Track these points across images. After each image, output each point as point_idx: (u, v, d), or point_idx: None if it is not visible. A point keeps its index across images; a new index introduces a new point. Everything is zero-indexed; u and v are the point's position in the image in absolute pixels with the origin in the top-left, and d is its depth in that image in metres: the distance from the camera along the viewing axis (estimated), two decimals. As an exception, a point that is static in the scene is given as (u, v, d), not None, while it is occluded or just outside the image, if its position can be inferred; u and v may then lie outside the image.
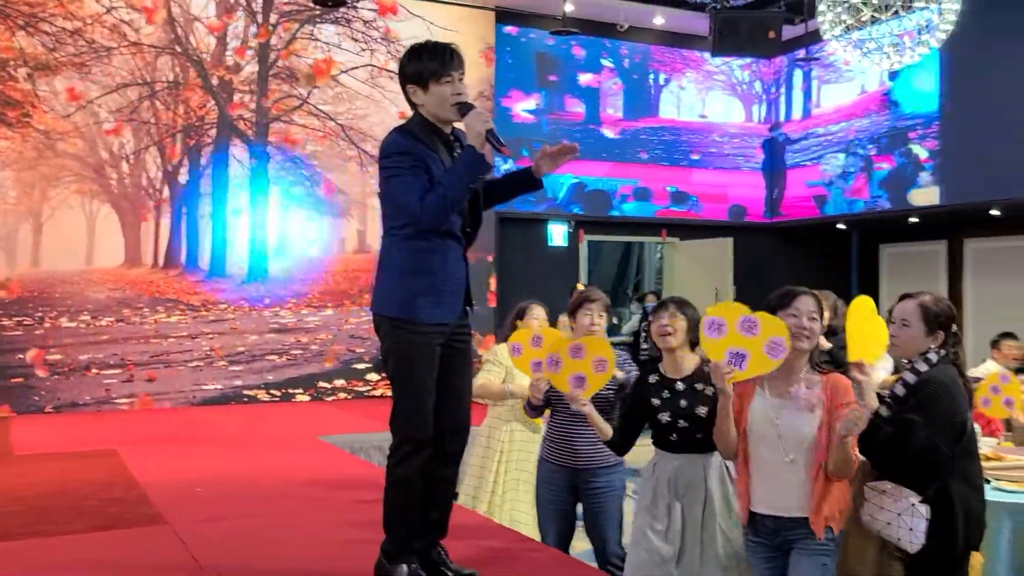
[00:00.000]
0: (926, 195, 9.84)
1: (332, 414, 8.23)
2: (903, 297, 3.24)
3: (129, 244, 8.53)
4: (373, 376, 9.21)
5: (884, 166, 10.27)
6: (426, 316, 2.92)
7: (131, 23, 8.50)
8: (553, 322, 4.95)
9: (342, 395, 9.12)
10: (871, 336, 3.13)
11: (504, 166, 10.03)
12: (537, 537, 4.12)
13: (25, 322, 8.08)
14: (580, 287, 8.76)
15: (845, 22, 7.03)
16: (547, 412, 4.09)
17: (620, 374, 3.82)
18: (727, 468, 3.35)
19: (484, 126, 2.87)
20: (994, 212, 9.75)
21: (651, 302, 11.09)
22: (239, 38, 8.96)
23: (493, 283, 9.84)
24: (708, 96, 11.44)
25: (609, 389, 3.78)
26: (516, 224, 10.28)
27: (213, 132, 8.84)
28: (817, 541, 2.94)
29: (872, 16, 6.88)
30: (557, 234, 10.65)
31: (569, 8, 9.57)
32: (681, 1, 9.87)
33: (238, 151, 8.93)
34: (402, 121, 3.09)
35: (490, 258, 9.81)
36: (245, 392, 8.74)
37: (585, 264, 10.93)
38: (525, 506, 4.54)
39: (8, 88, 8.07)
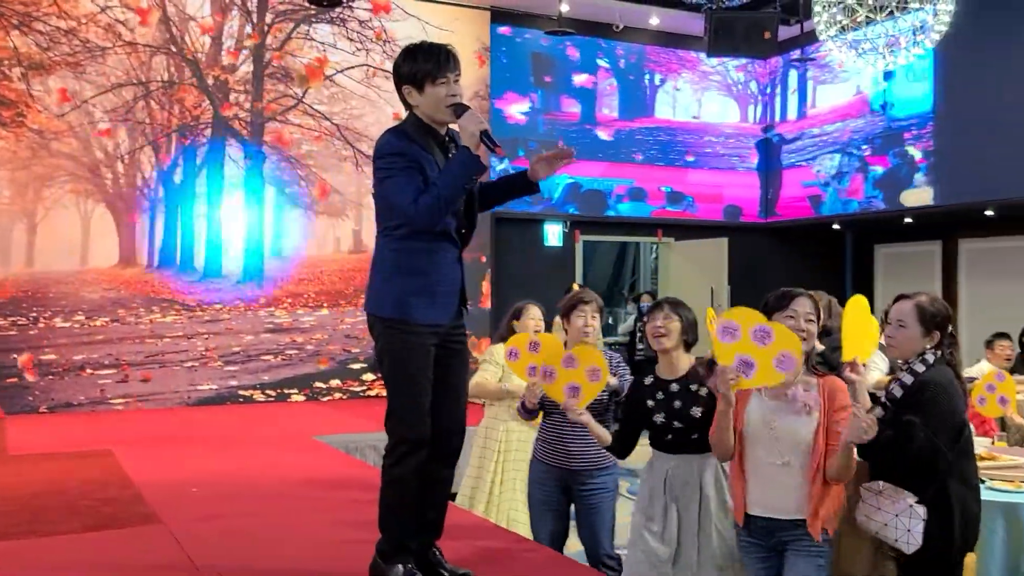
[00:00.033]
0: (918, 195, 9.87)
1: (327, 414, 8.22)
2: (899, 298, 3.25)
3: (124, 244, 8.51)
4: (368, 376, 9.20)
5: (878, 167, 10.29)
6: (420, 316, 2.92)
7: (126, 23, 8.48)
8: (550, 322, 4.94)
9: (337, 395, 9.12)
10: (864, 335, 3.14)
11: (500, 166, 10.03)
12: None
13: (19, 322, 8.06)
14: (576, 287, 8.76)
15: (840, 23, 7.05)
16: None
17: (612, 380, 3.81)
18: (723, 469, 3.35)
19: (478, 127, 2.87)
20: (988, 212, 9.78)
21: (647, 302, 11.10)
22: (234, 38, 8.95)
23: (486, 285, 9.82)
24: (704, 96, 11.45)
25: (602, 394, 3.78)
26: (512, 224, 10.28)
27: (208, 132, 8.82)
28: (812, 542, 2.94)
29: (867, 17, 6.90)
30: (553, 234, 10.66)
31: (565, 8, 9.58)
32: (677, 1, 9.88)
33: (233, 151, 8.91)
34: (397, 122, 3.09)
35: (483, 259, 9.81)
36: (240, 392, 8.73)
37: (581, 264, 10.94)
38: (522, 505, 4.54)
39: (2, 88, 8.05)
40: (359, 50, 9.39)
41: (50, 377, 8.10)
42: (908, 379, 3.10)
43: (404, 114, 3.07)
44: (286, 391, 8.91)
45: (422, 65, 2.94)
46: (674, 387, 3.41)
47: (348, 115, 9.34)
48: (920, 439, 2.92)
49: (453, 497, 4.20)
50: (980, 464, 3.60)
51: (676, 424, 3.36)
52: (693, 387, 3.36)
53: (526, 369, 3.75)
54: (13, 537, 3.92)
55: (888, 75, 9.85)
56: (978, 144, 9.08)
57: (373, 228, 3.08)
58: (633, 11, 10.33)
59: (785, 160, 11.53)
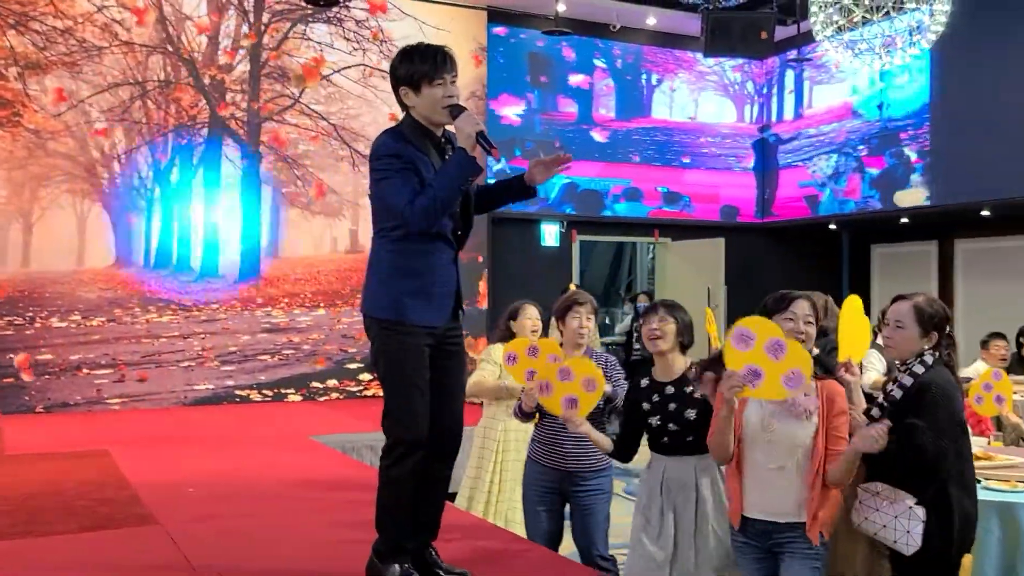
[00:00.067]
0: (911, 196, 9.89)
1: (324, 414, 8.22)
2: (897, 298, 3.24)
3: (120, 244, 8.50)
4: (365, 376, 9.20)
5: (875, 168, 10.31)
6: (415, 318, 2.92)
7: (122, 22, 8.47)
8: (547, 322, 4.94)
9: (334, 395, 9.11)
10: (858, 336, 3.15)
11: (496, 166, 10.04)
12: (532, 537, 4.11)
13: (15, 322, 8.05)
14: (573, 287, 8.76)
15: (837, 23, 7.06)
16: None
17: (607, 387, 3.81)
18: (719, 470, 3.35)
19: (474, 128, 2.87)
20: (984, 212, 9.80)
21: (643, 302, 11.10)
22: (231, 37, 8.94)
23: (482, 285, 9.81)
24: (700, 97, 11.46)
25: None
26: (508, 224, 10.28)
27: (205, 131, 8.82)
28: (808, 545, 2.93)
29: (863, 17, 6.91)
30: (549, 234, 10.66)
31: (561, 8, 9.58)
32: (673, 1, 9.89)
33: (230, 150, 8.91)
34: (393, 122, 3.09)
35: (480, 259, 9.81)
36: (237, 392, 8.72)
37: (577, 264, 10.95)
38: (520, 505, 4.54)
39: (-2, 87, 8.04)
40: (356, 50, 9.38)
41: (46, 377, 8.09)
42: (908, 381, 3.09)
43: (400, 115, 3.07)
44: (283, 391, 8.91)
45: (419, 66, 2.93)
46: (669, 389, 3.41)
47: (345, 115, 9.34)
48: (926, 443, 2.92)
49: (452, 497, 4.19)
50: (976, 464, 3.60)
51: (671, 426, 3.36)
52: (688, 389, 3.35)
53: (524, 373, 3.74)
54: (9, 537, 3.91)
55: (885, 76, 9.87)
56: (974, 144, 9.10)
57: (370, 228, 3.08)
58: (630, 11, 10.34)
59: (781, 160, 11.55)
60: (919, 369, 3.10)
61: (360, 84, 9.36)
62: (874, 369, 5.23)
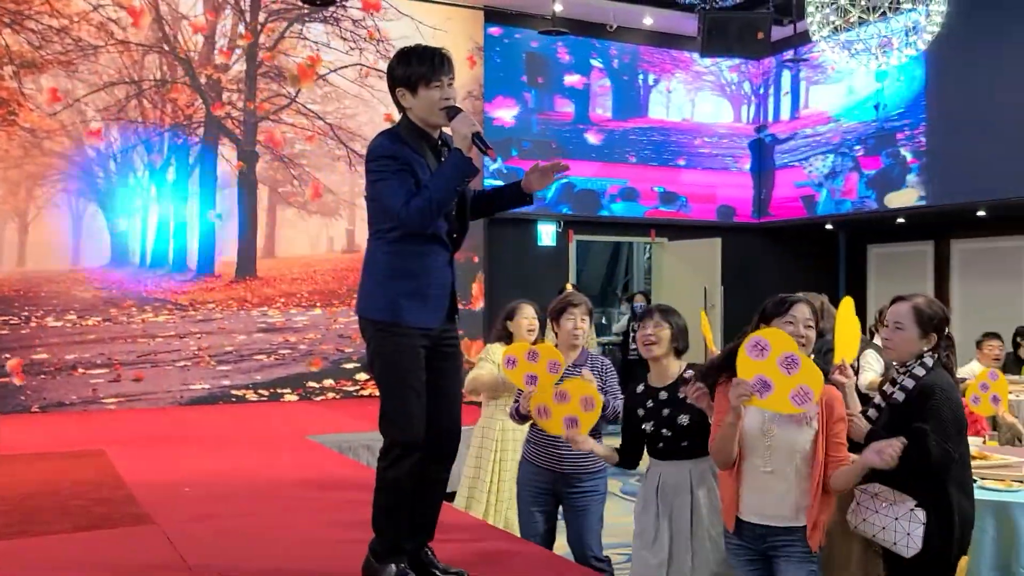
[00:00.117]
0: (903, 196, 9.91)
1: (321, 414, 8.21)
2: (896, 299, 3.23)
3: (116, 243, 8.49)
4: (362, 376, 9.19)
5: (871, 168, 10.32)
6: (411, 319, 2.92)
7: (118, 21, 8.46)
8: (544, 321, 4.94)
9: (331, 395, 9.11)
10: (852, 337, 3.16)
11: (493, 166, 10.04)
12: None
13: (11, 321, 8.04)
14: (569, 287, 8.76)
15: (833, 23, 7.07)
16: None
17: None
18: (714, 474, 3.35)
19: (471, 129, 2.87)
20: (980, 213, 9.82)
21: (640, 302, 11.12)
22: (227, 37, 8.93)
23: (475, 288, 9.78)
24: (697, 97, 11.47)
25: None
26: (505, 224, 10.27)
27: (201, 131, 8.81)
28: (804, 548, 2.92)
29: (860, 17, 6.92)
30: (546, 234, 10.66)
31: (558, 8, 9.58)
32: (670, 1, 9.90)
33: (226, 150, 8.90)
34: (389, 123, 3.09)
35: (476, 259, 9.80)
36: (233, 392, 8.71)
37: (574, 264, 10.95)
38: None
39: (-6, 86, 8.03)
40: (352, 49, 9.38)
41: (42, 376, 8.07)
42: (909, 383, 3.08)
43: (397, 115, 3.07)
44: (279, 391, 8.90)
45: (416, 68, 2.94)
46: (663, 395, 3.42)
47: (341, 114, 9.33)
48: (933, 448, 2.91)
49: (451, 497, 4.19)
50: (972, 463, 3.61)
51: (665, 432, 3.37)
52: (681, 395, 3.36)
53: (523, 377, 3.74)
54: (5, 537, 3.90)
55: (881, 76, 9.88)
56: (970, 144, 9.11)
57: (366, 228, 3.08)
58: (627, 11, 10.34)
59: (778, 160, 11.56)
60: (919, 371, 3.09)
61: (357, 84, 9.36)
62: (871, 370, 5.23)
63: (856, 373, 5.24)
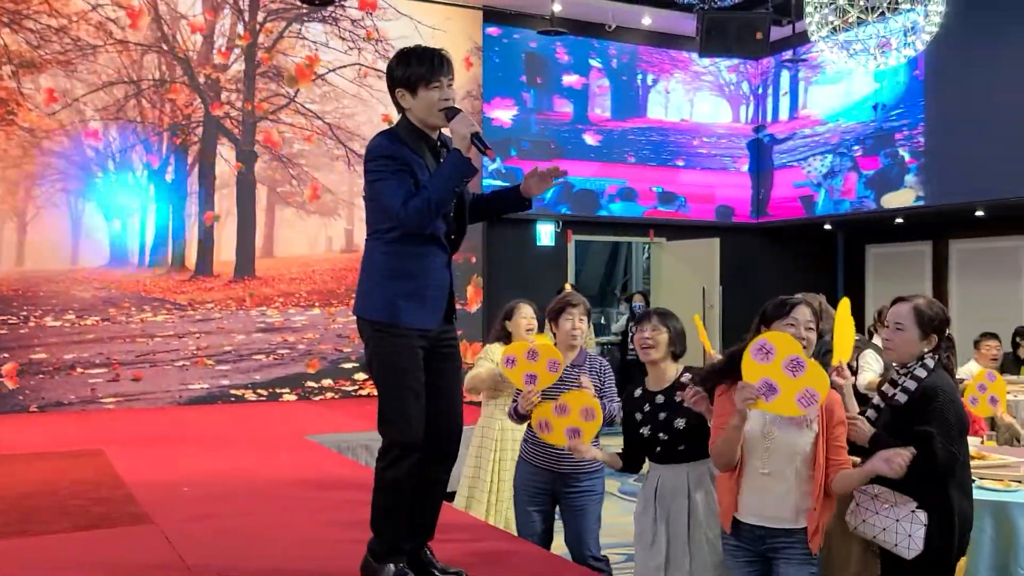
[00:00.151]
0: (900, 197, 9.92)
1: (319, 413, 8.21)
2: (897, 300, 3.23)
3: (115, 243, 8.49)
4: (360, 375, 9.19)
5: (870, 168, 10.33)
6: (409, 320, 2.92)
7: (117, 21, 8.46)
8: (543, 320, 4.94)
9: (329, 394, 9.11)
10: (847, 337, 3.16)
11: (492, 166, 10.04)
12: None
13: (9, 321, 8.03)
14: (568, 287, 8.76)
15: (832, 23, 7.07)
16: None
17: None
18: (712, 477, 3.36)
19: (469, 129, 2.87)
20: (979, 213, 9.82)
21: (638, 302, 11.13)
22: (225, 36, 8.93)
23: (470, 290, 9.74)
24: (696, 97, 11.47)
25: None
26: (504, 224, 10.27)
27: (200, 131, 8.80)
28: (804, 550, 2.92)
29: (858, 18, 6.92)
30: (545, 234, 10.66)
31: (557, 8, 9.58)
32: (669, 1, 9.90)
33: (225, 149, 8.90)
34: (386, 123, 3.10)
35: (473, 259, 9.80)
36: (232, 391, 8.71)
37: (573, 264, 10.95)
38: None
39: (-7, 86, 8.02)
40: (351, 49, 9.38)
41: (41, 376, 8.07)
42: (911, 385, 3.07)
43: (395, 115, 3.07)
44: (278, 390, 8.90)
45: (415, 69, 2.94)
46: (659, 399, 3.42)
47: (340, 114, 9.33)
48: (939, 450, 2.91)
49: (451, 497, 4.19)
50: (970, 464, 3.61)
51: (662, 436, 3.37)
52: (678, 399, 3.37)
53: (523, 376, 3.75)
54: (4, 537, 3.90)
55: (879, 76, 9.89)
56: (968, 144, 9.12)
57: (365, 229, 3.09)
58: (625, 11, 10.34)
59: (776, 160, 11.57)
60: (921, 373, 3.08)
61: (356, 84, 9.36)
62: (870, 370, 5.24)
63: (854, 373, 5.26)
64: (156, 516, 4.21)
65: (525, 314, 4.60)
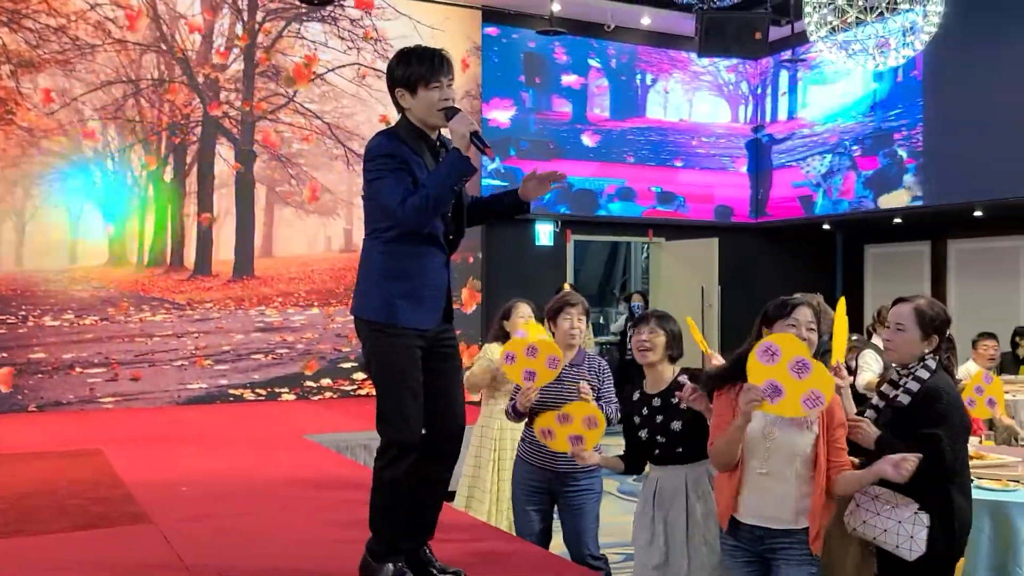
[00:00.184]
0: (896, 198, 9.93)
1: (318, 413, 8.21)
2: (898, 301, 3.22)
3: (113, 242, 8.49)
4: (359, 375, 9.19)
5: (868, 168, 10.33)
6: (406, 320, 2.92)
7: (115, 20, 8.45)
8: (542, 320, 4.94)
9: (328, 394, 9.11)
10: (842, 338, 3.17)
11: (491, 165, 10.04)
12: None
13: (8, 320, 8.03)
14: (567, 287, 8.77)
15: (831, 23, 7.07)
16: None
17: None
18: (710, 479, 3.36)
19: (468, 128, 2.88)
20: (977, 213, 9.83)
21: (637, 302, 11.14)
22: (224, 36, 8.93)
23: (465, 293, 9.73)
24: (695, 97, 11.48)
25: None
26: (503, 224, 10.27)
27: (198, 130, 8.80)
28: (804, 551, 2.92)
29: (857, 18, 6.92)
30: (544, 234, 10.67)
31: (556, 8, 9.58)
32: (668, 1, 9.91)
33: (224, 149, 8.90)
34: (383, 123, 3.10)
35: (471, 259, 9.80)
36: (231, 391, 8.71)
37: (572, 264, 10.95)
38: None
39: (-9, 85, 8.02)
40: (350, 49, 9.37)
41: (39, 376, 8.07)
42: (914, 386, 3.06)
43: (393, 115, 3.07)
44: (276, 390, 8.90)
45: (415, 68, 2.94)
46: (656, 402, 3.43)
47: (339, 114, 9.33)
48: (946, 452, 2.91)
49: (451, 497, 4.19)
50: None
51: (659, 439, 3.38)
52: (674, 400, 3.37)
53: (522, 373, 3.75)
54: (3, 536, 3.90)
55: (878, 76, 9.89)
56: (967, 144, 9.13)
57: (363, 228, 3.08)
58: (624, 11, 10.35)
59: (775, 160, 11.57)
60: (923, 374, 3.07)
61: (355, 83, 9.35)
62: (869, 370, 5.24)
63: (853, 373, 5.26)
64: (155, 516, 4.21)
65: (523, 313, 4.61)
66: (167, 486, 4.90)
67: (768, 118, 11.69)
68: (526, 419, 4.02)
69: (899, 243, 11.53)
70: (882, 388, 3.25)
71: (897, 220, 10.55)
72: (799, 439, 2.92)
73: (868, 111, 10.36)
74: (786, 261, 11.60)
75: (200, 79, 8.80)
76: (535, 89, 10.53)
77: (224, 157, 8.89)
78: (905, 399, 3.07)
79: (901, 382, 3.12)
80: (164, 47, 8.67)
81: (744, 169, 11.74)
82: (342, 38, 9.35)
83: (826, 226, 11.56)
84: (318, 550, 3.69)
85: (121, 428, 7.08)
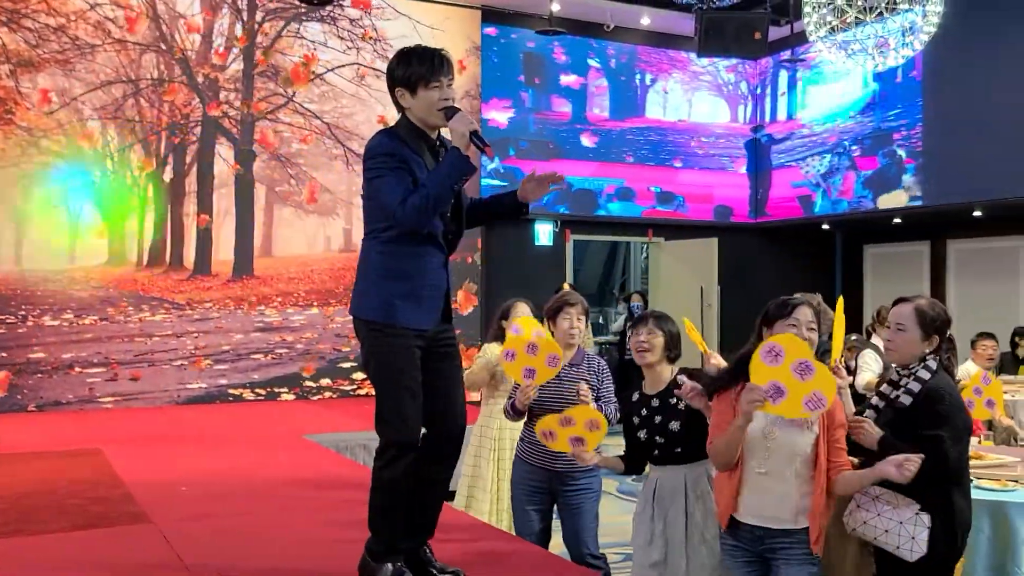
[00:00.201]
0: (894, 198, 9.93)
1: (317, 413, 8.21)
2: (898, 301, 3.22)
3: (113, 242, 8.48)
4: (358, 375, 9.19)
5: (868, 168, 10.34)
6: (404, 320, 2.92)
7: (115, 20, 8.45)
8: (541, 320, 4.94)
9: (327, 394, 9.11)
10: (839, 337, 3.17)
11: (491, 165, 10.04)
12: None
13: (7, 320, 8.03)
14: (566, 287, 8.77)
15: (830, 23, 7.08)
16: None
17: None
18: (709, 479, 3.37)
19: (468, 127, 2.88)
20: (976, 213, 9.83)
21: (637, 302, 11.14)
22: (224, 36, 8.92)
23: (461, 295, 9.71)
24: (694, 97, 11.48)
25: None
26: (502, 223, 10.28)
27: (198, 130, 8.80)
28: (805, 551, 2.92)
29: (857, 18, 6.93)
30: (543, 233, 10.67)
31: (556, 8, 9.58)
32: (667, 1, 9.91)
33: (223, 149, 8.90)
34: (382, 124, 3.10)
35: (470, 260, 9.79)
36: (230, 391, 8.71)
37: (571, 264, 10.95)
38: None
39: (-9, 85, 8.01)
40: (350, 48, 9.37)
41: (39, 376, 8.06)
42: (915, 387, 3.06)
43: (392, 115, 3.07)
44: (276, 390, 8.90)
45: (416, 68, 2.94)
46: (655, 402, 3.44)
47: (338, 114, 9.33)
48: (950, 453, 2.91)
49: (450, 497, 4.19)
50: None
51: (658, 439, 3.39)
52: (672, 401, 3.37)
53: (522, 370, 3.75)
54: (2, 536, 3.90)
55: (878, 76, 9.89)
56: (966, 144, 9.13)
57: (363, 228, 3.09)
58: (624, 11, 10.35)
59: (775, 160, 11.57)
60: (924, 375, 3.07)
61: (354, 83, 9.35)
62: (869, 370, 5.25)
63: (852, 373, 5.27)
64: (154, 515, 4.21)
65: (522, 313, 4.61)
66: (167, 486, 4.90)
67: (767, 118, 11.70)
68: (524, 417, 4.02)
69: (898, 243, 11.53)
70: (882, 388, 3.25)
71: (896, 220, 10.55)
72: (799, 439, 2.92)
73: (867, 111, 10.36)
74: (785, 261, 11.60)
75: (199, 79, 8.80)
76: (534, 89, 10.53)
77: (223, 157, 8.89)
78: (906, 399, 3.07)
79: (902, 382, 3.12)
80: (164, 47, 8.67)
81: (743, 169, 11.74)
82: (341, 38, 9.35)
83: (825, 226, 11.57)
84: (318, 550, 3.69)
85: (120, 428, 7.08)
